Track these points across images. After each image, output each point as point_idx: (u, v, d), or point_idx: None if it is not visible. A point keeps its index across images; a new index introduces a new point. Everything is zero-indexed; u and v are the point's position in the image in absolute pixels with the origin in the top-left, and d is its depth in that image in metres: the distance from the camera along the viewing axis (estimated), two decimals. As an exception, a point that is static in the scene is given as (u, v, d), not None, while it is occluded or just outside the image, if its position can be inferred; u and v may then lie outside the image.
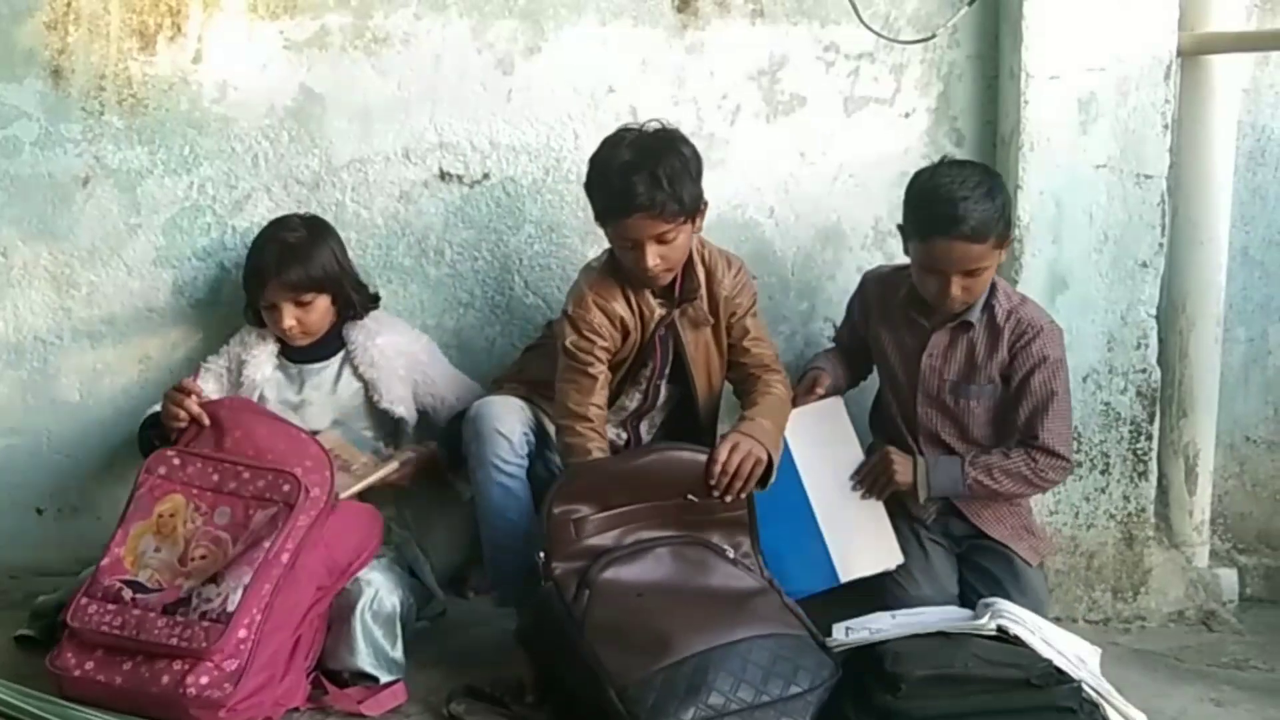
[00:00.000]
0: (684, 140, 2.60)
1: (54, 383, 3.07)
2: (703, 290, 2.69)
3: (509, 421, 2.64)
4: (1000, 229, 2.55)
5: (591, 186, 2.63)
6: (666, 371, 2.75)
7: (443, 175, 3.07)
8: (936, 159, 3.05)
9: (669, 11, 3.05)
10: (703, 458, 2.51)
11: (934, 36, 2.96)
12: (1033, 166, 2.93)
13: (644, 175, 2.49)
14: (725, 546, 2.49)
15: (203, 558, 2.34)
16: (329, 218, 3.03)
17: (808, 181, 3.10)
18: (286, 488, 2.41)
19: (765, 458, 2.53)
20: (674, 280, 2.67)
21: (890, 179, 3.10)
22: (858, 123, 3.09)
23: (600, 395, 2.62)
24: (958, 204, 2.50)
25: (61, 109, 3.00)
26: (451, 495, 3.11)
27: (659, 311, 2.66)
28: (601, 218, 2.62)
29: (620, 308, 2.64)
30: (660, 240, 2.54)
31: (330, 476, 2.47)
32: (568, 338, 2.63)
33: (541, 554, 2.37)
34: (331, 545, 2.41)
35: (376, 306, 2.91)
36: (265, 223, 2.98)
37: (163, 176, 3.03)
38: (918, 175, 2.67)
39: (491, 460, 2.62)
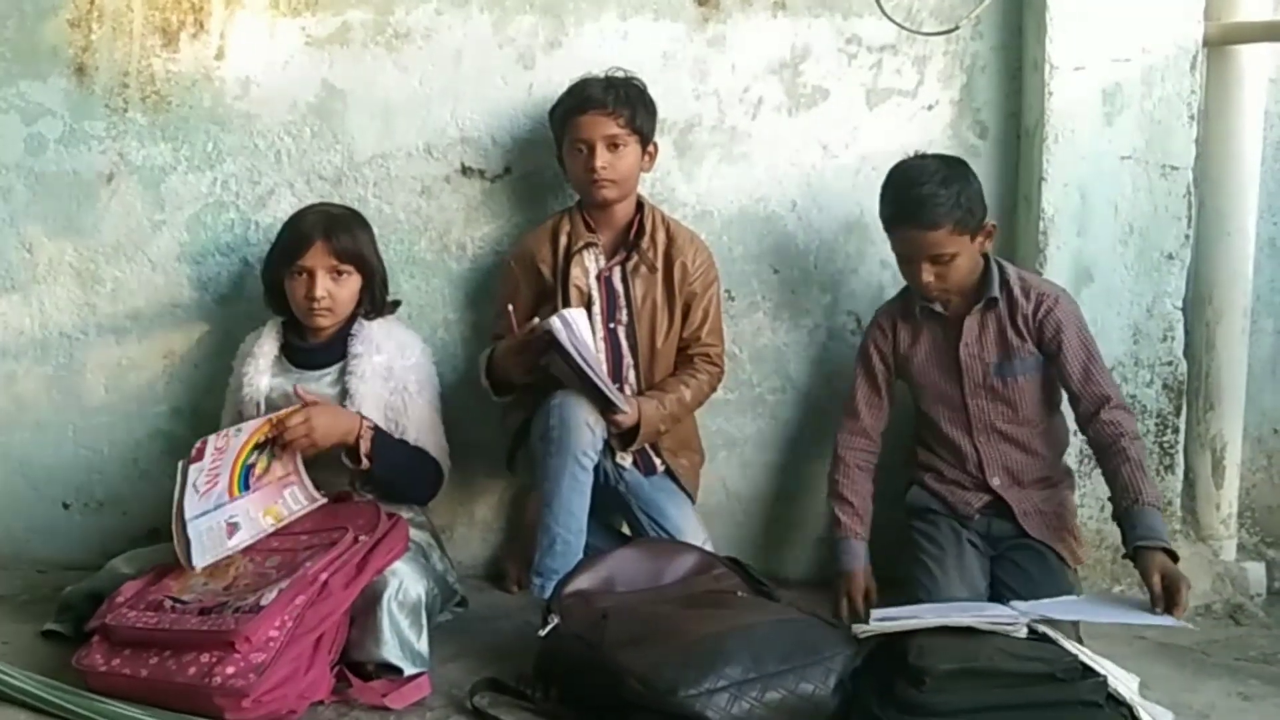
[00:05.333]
0: (641, 84, 2.91)
1: (79, 378, 3.10)
2: (659, 248, 2.91)
3: (593, 415, 2.73)
4: (959, 215, 2.61)
5: (554, 106, 2.92)
6: (620, 318, 2.90)
7: (464, 170, 3.08)
8: (960, 151, 3.06)
9: (690, 5, 3.04)
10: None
11: (957, 28, 2.94)
12: (1057, 158, 2.91)
13: (603, 81, 2.87)
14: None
15: (246, 585, 2.39)
16: (351, 213, 3.05)
17: (830, 174, 3.09)
18: (336, 534, 2.47)
19: (634, 425, 2.80)
20: (629, 227, 2.92)
21: (913, 171, 3.08)
22: (880, 115, 3.08)
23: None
24: (909, 191, 2.64)
25: (85, 106, 3.02)
26: (477, 490, 3.14)
27: (586, 237, 2.89)
28: (560, 129, 2.90)
29: (541, 246, 2.93)
30: (610, 145, 2.83)
31: (378, 530, 2.47)
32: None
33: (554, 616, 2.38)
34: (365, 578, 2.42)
35: (394, 311, 2.89)
36: (288, 218, 2.99)
37: (186, 173, 3.05)
38: (891, 169, 2.76)
39: (574, 449, 2.69)
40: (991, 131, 3.08)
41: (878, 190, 3.07)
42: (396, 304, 2.92)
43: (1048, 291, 2.72)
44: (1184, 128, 2.91)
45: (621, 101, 2.84)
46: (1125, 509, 2.56)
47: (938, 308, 2.76)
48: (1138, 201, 2.93)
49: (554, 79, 3.03)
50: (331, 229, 2.73)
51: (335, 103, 3.04)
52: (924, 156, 2.76)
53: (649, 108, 2.90)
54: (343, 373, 2.75)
